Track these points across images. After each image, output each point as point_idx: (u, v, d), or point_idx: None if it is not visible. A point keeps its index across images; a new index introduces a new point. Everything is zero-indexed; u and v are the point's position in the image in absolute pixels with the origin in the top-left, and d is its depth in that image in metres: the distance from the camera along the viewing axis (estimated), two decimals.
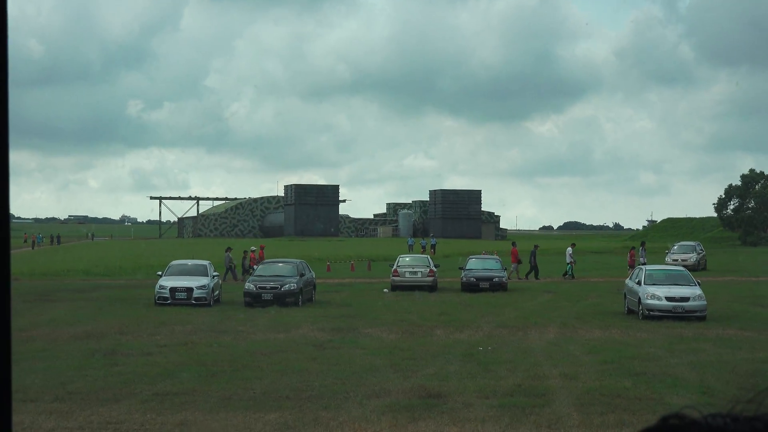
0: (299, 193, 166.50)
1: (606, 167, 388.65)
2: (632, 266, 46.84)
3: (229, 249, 50.86)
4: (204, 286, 35.57)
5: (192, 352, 23.12)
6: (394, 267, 43.40)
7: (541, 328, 28.10)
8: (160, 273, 37.72)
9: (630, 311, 32.21)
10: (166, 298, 35.23)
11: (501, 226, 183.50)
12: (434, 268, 43.23)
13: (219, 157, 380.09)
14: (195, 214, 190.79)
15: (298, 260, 39.12)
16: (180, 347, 24.00)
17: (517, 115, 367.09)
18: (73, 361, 21.36)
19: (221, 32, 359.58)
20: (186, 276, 36.42)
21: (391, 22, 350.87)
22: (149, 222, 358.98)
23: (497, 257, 46.33)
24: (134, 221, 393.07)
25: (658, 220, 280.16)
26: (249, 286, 35.63)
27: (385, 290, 42.86)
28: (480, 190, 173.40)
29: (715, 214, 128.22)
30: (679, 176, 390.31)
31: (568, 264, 50.75)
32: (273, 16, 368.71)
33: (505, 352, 22.89)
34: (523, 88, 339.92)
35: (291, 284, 35.32)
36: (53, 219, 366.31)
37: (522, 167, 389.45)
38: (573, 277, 50.17)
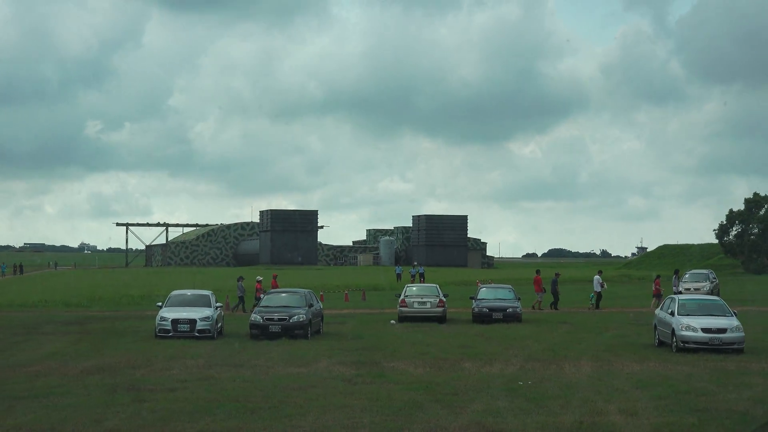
0: (275, 219, 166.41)
1: (592, 191, 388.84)
2: (657, 296, 47.11)
3: (241, 278, 50.79)
4: (208, 317, 35.49)
5: (217, 387, 23.03)
6: (402, 297, 43.43)
7: (573, 362, 28.16)
8: (159, 304, 37.62)
9: (661, 343, 32.35)
10: (167, 331, 35.11)
11: (487, 254, 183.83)
12: (443, 298, 43.27)
13: (183, 181, 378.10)
14: (164, 241, 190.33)
15: (306, 290, 39.09)
16: (202, 382, 23.93)
17: (498, 136, 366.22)
18: (96, 398, 21.27)
19: (185, 49, 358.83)
20: (188, 307, 36.32)
21: (365, 37, 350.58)
22: (110, 250, 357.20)
23: (510, 286, 46.34)
24: (94, 249, 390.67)
25: (648, 247, 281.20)
26: (255, 317, 35.54)
27: (392, 321, 42.87)
28: (466, 216, 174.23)
29: (715, 240, 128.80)
30: (670, 200, 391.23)
31: (592, 294, 51.10)
32: (240, 32, 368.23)
33: (549, 387, 22.94)
34: (505, 107, 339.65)
35: (300, 315, 35.28)
36: (8, 247, 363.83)
37: (504, 191, 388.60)
38: (597, 307, 50.50)
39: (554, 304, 50.44)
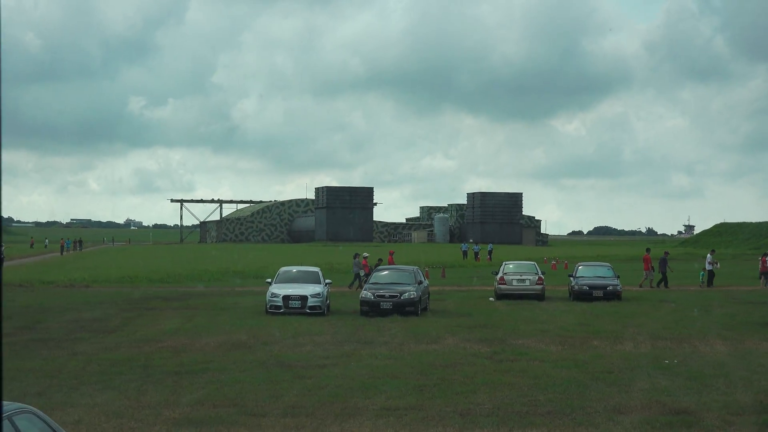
0: (331, 195, 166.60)
1: (636, 168, 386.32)
2: (764, 273, 46.82)
3: (357, 255, 50.96)
4: (318, 294, 35.57)
5: (364, 364, 22.99)
6: (500, 274, 43.30)
7: (701, 340, 27.94)
8: (269, 280, 37.77)
9: None
10: (278, 307, 35.24)
11: (542, 231, 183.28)
12: (542, 276, 43.12)
13: (226, 158, 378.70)
14: (213, 218, 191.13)
15: (413, 267, 39.15)
16: (346, 359, 23.93)
17: (541, 113, 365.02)
18: (255, 374, 21.28)
19: (228, 25, 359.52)
20: (297, 283, 36.45)
21: (407, 13, 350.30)
22: (156, 225, 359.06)
23: (609, 264, 46.11)
24: (139, 225, 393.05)
25: (695, 225, 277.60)
26: (366, 294, 35.57)
27: (491, 299, 42.85)
28: (521, 193, 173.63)
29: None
30: (714, 178, 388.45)
31: (702, 272, 50.79)
32: (282, 8, 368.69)
33: (698, 366, 22.74)
34: (548, 84, 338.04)
35: (411, 293, 35.29)
36: (55, 222, 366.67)
37: (546, 168, 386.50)
38: (710, 284, 50.33)
39: (663, 283, 50.16)
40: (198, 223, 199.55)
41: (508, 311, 37.40)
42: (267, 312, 35.49)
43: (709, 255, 51.45)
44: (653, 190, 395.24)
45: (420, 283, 36.59)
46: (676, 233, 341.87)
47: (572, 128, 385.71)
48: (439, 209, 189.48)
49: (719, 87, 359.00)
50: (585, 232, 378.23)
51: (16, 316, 35.22)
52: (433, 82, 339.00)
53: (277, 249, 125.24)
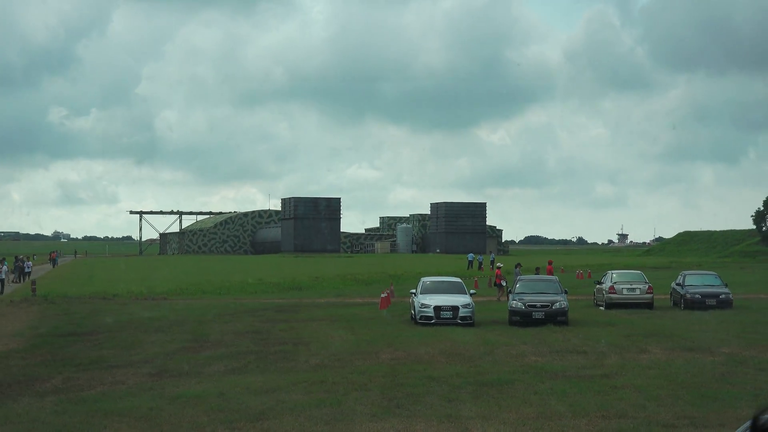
0: (299, 206, 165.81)
1: (560, 178, 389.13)
2: None
3: (518, 265, 51.01)
4: (468, 304, 35.40)
5: (638, 374, 22.75)
6: (608, 284, 43.34)
7: None
8: (413, 291, 37.51)
9: None
10: (429, 317, 34.97)
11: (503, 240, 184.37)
12: (651, 285, 43.30)
13: (148, 169, 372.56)
14: (177, 229, 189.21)
15: (555, 276, 39.14)
16: (601, 368, 23.69)
17: (464, 123, 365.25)
18: (559, 385, 21.01)
19: (150, 36, 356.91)
20: (444, 294, 36.23)
21: (329, 23, 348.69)
22: (85, 238, 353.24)
23: (715, 273, 46.41)
24: (68, 237, 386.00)
25: (628, 234, 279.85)
26: (517, 303, 35.42)
27: (600, 308, 42.95)
28: (485, 203, 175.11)
29: (737, 227, 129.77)
30: (637, 187, 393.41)
31: None
32: (204, 19, 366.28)
33: None
34: (471, 94, 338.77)
35: (561, 302, 35.26)
36: None
37: (471, 178, 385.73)
38: None
39: None
40: (145, 235, 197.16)
41: (642, 320, 37.11)
42: (416, 322, 35.23)
43: None
44: (578, 200, 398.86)
45: (565, 292, 36.55)
46: (606, 242, 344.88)
47: (497, 138, 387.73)
48: (400, 219, 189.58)
49: (640, 97, 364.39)
50: (517, 241, 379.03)
51: (165, 328, 34.73)
52: (357, 92, 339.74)
53: (265, 261, 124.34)
